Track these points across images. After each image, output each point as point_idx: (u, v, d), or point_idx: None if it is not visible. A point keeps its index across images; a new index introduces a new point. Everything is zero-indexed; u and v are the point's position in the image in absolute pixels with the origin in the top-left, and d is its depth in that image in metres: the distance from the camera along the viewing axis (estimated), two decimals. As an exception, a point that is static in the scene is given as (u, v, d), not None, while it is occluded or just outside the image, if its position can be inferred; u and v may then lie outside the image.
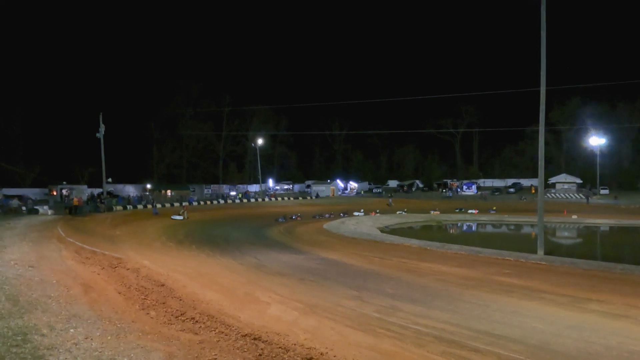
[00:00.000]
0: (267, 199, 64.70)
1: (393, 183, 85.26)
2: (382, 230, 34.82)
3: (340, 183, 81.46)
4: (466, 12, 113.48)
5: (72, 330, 8.10)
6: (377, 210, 49.14)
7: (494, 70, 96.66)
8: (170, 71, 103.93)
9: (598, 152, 66.61)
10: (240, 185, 76.23)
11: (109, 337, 7.78)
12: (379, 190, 78.61)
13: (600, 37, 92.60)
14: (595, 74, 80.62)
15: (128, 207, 48.15)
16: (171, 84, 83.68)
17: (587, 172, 70.14)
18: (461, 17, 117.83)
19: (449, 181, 78.33)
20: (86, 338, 7.69)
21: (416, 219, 44.94)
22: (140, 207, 49.11)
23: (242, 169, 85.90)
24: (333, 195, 75.50)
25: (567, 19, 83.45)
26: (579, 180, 69.57)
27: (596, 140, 67.34)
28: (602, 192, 66.26)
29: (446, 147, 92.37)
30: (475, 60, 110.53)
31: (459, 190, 74.30)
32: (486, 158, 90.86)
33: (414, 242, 25.74)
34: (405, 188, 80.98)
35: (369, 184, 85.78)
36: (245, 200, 62.02)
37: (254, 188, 74.90)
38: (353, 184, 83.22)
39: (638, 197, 63.00)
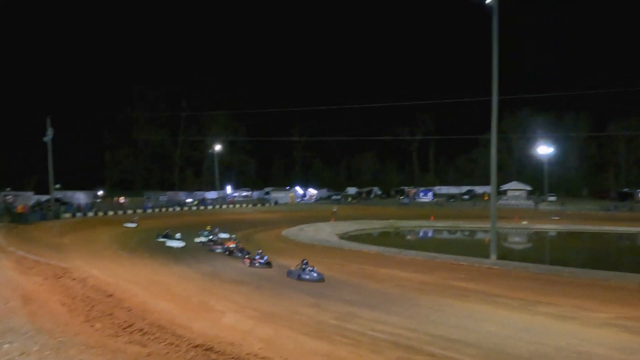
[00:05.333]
0: (225, 206, 63.63)
1: (352, 190, 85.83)
2: (341, 237, 34.85)
3: (299, 190, 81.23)
4: (424, 22, 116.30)
5: (6, 345, 7.52)
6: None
7: (450, 80, 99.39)
8: (126, 74, 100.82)
9: (546, 161, 69.55)
10: (198, 192, 74.66)
11: (47, 352, 7.26)
12: (338, 197, 78.94)
13: (550, 50, 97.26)
14: (544, 86, 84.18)
15: (77, 214, 46.12)
16: (126, 87, 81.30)
17: (537, 179, 73.03)
18: (418, 28, 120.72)
19: (406, 188, 79.64)
20: (22, 354, 7.15)
21: (374, 226, 45.32)
22: (90, 214, 47.16)
23: (200, 175, 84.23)
24: (292, 202, 75.16)
25: (518, 32, 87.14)
26: (528, 188, 72.34)
27: (544, 149, 70.28)
28: (550, 199, 69.14)
29: (404, 155, 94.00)
30: (432, 70, 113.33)
31: (416, 197, 75.65)
32: (442, 165, 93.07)
33: (372, 249, 25.87)
34: (364, 195, 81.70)
35: (328, 190, 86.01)
36: (202, 207, 60.77)
37: (211, 195, 73.54)
38: (312, 191, 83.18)
39: (583, 203, 66.16)
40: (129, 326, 9.13)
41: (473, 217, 51.19)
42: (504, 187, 72.16)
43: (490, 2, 21.27)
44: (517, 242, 40.49)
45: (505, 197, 70.43)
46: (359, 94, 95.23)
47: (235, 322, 9.91)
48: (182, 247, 25.46)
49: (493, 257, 22.10)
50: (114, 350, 7.57)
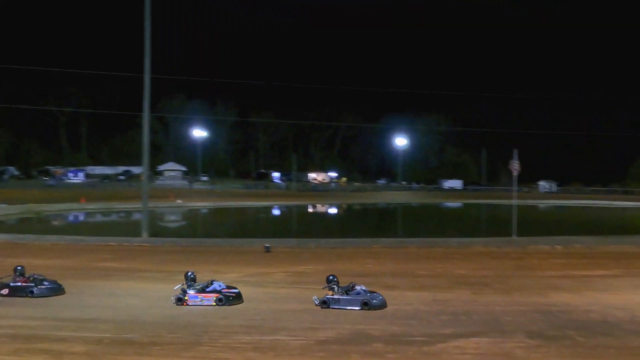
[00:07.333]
0: None
1: (-23, 170, 70.29)
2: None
3: None
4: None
5: None
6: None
7: (109, 55, 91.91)
8: None
9: (200, 143, 74.80)
10: None
11: None
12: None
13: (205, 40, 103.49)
14: (198, 73, 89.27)
15: None
16: None
17: (191, 160, 77.67)
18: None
19: (52, 168, 70.97)
20: None
21: (8, 211, 38.38)
22: None
23: None
24: None
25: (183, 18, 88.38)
26: (184, 168, 76.22)
27: (199, 133, 75.30)
28: (203, 179, 74.90)
29: (49, 130, 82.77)
30: (87, 42, 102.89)
31: (64, 178, 68.36)
32: (96, 144, 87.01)
33: (1, 237, 21.96)
34: (-6, 175, 68.12)
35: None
36: None
37: None
38: None
39: (231, 183, 74.57)
40: None
41: (129, 198, 50.02)
42: (161, 167, 73.70)
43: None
44: (171, 219, 42.07)
45: (162, 177, 71.99)
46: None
47: None
48: None
49: (145, 235, 22.27)
50: None
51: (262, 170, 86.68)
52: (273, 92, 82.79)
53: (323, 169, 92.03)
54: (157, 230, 27.20)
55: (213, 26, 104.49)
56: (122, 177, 72.31)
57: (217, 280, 9.80)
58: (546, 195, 77.97)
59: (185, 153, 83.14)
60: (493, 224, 35.63)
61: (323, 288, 9.43)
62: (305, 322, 8.25)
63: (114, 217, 42.01)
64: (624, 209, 54.43)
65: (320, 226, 37.13)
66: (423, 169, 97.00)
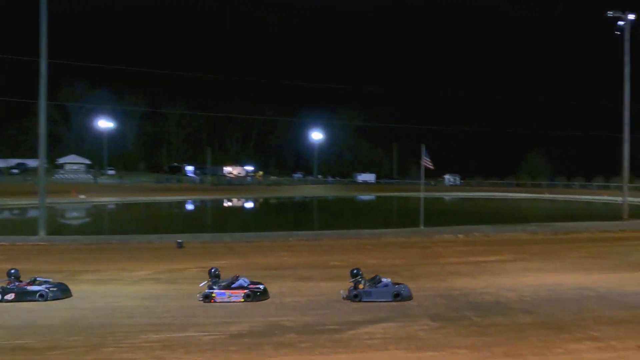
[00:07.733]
0: None
1: None
2: None
3: None
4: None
5: None
6: None
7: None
8: None
9: (106, 135, 70.27)
10: None
11: None
12: None
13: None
14: (103, 60, 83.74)
15: None
16: None
17: (96, 153, 72.82)
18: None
19: None
20: None
21: None
22: None
23: None
24: None
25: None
26: (88, 161, 71.26)
27: (104, 124, 70.73)
28: (109, 172, 70.60)
29: None
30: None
31: (-55, 171, 61.13)
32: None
33: None
34: None
35: None
36: None
37: None
38: None
39: (140, 176, 70.97)
40: None
41: (24, 194, 45.94)
42: (61, 160, 68.53)
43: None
44: (73, 216, 39.30)
45: (62, 171, 67.03)
46: None
47: None
48: None
49: (42, 233, 20.58)
50: None
51: (175, 164, 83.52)
52: (186, 82, 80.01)
53: (239, 162, 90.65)
54: (57, 228, 25.26)
55: (121, 8, 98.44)
56: (15, 171, 66.22)
57: (242, 276, 9.44)
58: (451, 188, 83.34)
59: (89, 145, 77.67)
60: (403, 216, 37.38)
61: (350, 282, 9.35)
62: (218, 317, 8.14)
63: (6, 215, 38.31)
64: (517, 199, 59.73)
65: (236, 220, 36.63)
66: (338, 163, 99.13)
